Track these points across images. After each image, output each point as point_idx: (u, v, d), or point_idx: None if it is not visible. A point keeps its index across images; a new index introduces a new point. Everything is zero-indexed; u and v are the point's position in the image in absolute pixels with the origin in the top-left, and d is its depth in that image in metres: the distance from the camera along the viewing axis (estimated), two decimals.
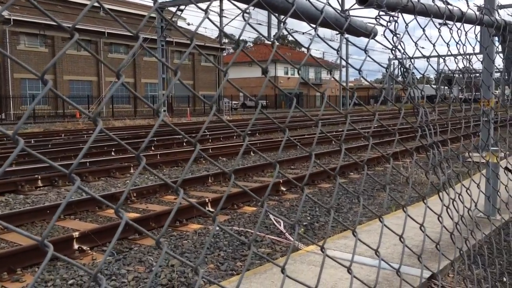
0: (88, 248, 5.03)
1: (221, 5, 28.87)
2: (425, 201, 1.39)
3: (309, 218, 6.49)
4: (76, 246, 4.99)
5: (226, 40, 45.45)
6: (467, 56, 2.32)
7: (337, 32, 1.31)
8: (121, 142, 0.78)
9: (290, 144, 14.58)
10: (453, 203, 1.74)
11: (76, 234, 5.08)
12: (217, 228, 5.85)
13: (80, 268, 0.68)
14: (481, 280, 3.35)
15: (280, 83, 60.61)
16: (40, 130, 22.55)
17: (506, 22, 2.37)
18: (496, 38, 2.64)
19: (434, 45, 1.72)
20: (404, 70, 1.50)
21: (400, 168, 9.83)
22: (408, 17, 1.53)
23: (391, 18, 1.36)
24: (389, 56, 54.97)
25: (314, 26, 1.12)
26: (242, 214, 6.62)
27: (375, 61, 1.49)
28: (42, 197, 7.80)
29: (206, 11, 0.81)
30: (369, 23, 1.37)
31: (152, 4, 0.96)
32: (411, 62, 1.50)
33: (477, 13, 1.98)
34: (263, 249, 5.08)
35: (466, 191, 1.86)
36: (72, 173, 0.65)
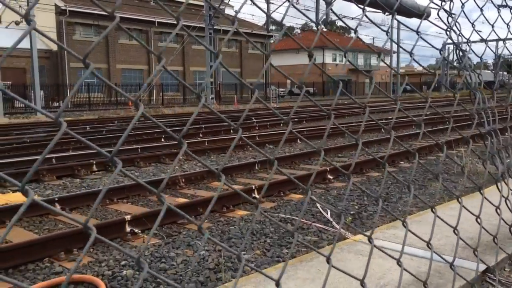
0: (139, 231, 5.21)
1: None
2: (481, 191, 1.32)
3: (356, 207, 6.39)
4: (128, 229, 5.18)
5: (273, 27, 45.19)
6: None
7: (388, 14, 1.26)
8: (162, 126, 0.79)
9: (338, 131, 14.37)
10: None
11: (128, 217, 5.27)
12: (262, 215, 5.90)
13: (121, 251, 0.70)
14: None
15: (328, 69, 59.67)
16: (95, 117, 23.49)
17: None
18: None
19: (493, 26, 1.62)
20: (460, 53, 1.42)
21: (454, 157, 9.46)
22: None
23: None
24: (444, 41, 52.67)
25: (362, 6, 1.08)
26: (289, 202, 6.62)
27: (428, 43, 1.41)
28: (97, 181, 8.14)
29: None
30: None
31: None
32: (467, 44, 1.41)
33: None
34: (309, 237, 5.06)
35: None
36: (114, 157, 0.66)
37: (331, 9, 1.20)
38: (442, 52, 1.38)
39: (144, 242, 4.98)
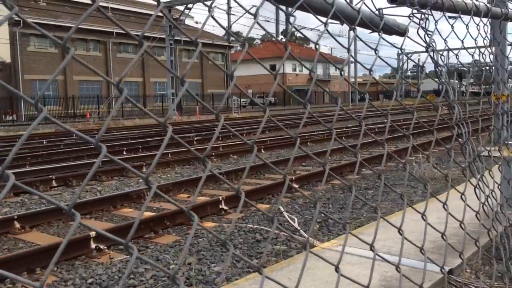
0: (105, 247, 5.08)
1: (228, 3, 28.88)
2: (463, 198, 1.40)
3: (322, 215, 6.49)
4: (93, 246, 5.04)
5: (233, 38, 45.56)
6: (487, 49, 2.31)
7: (370, 32, 1.32)
8: (185, 144, 0.79)
9: (302, 140, 14.58)
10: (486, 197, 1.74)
11: (92, 233, 5.13)
12: (234, 226, 5.84)
13: (157, 267, 0.69)
14: (493, 274, 3.32)
15: (288, 79, 60.52)
16: (52, 130, 22.74)
17: None
18: None
19: (462, 42, 1.72)
20: (438, 68, 1.50)
21: (412, 163, 9.78)
22: (437, 15, 1.54)
23: (423, 16, 1.36)
24: (398, 51, 54.77)
25: (353, 26, 1.13)
26: (256, 212, 6.63)
27: (413, 61, 1.49)
28: (57, 197, 7.87)
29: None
30: (401, 22, 1.38)
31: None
32: (442, 59, 1.50)
33: (503, 9, 1.98)
34: (278, 246, 5.09)
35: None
36: (147, 179, 0.65)
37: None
38: (422, 68, 1.46)
39: (111, 258, 4.86)
